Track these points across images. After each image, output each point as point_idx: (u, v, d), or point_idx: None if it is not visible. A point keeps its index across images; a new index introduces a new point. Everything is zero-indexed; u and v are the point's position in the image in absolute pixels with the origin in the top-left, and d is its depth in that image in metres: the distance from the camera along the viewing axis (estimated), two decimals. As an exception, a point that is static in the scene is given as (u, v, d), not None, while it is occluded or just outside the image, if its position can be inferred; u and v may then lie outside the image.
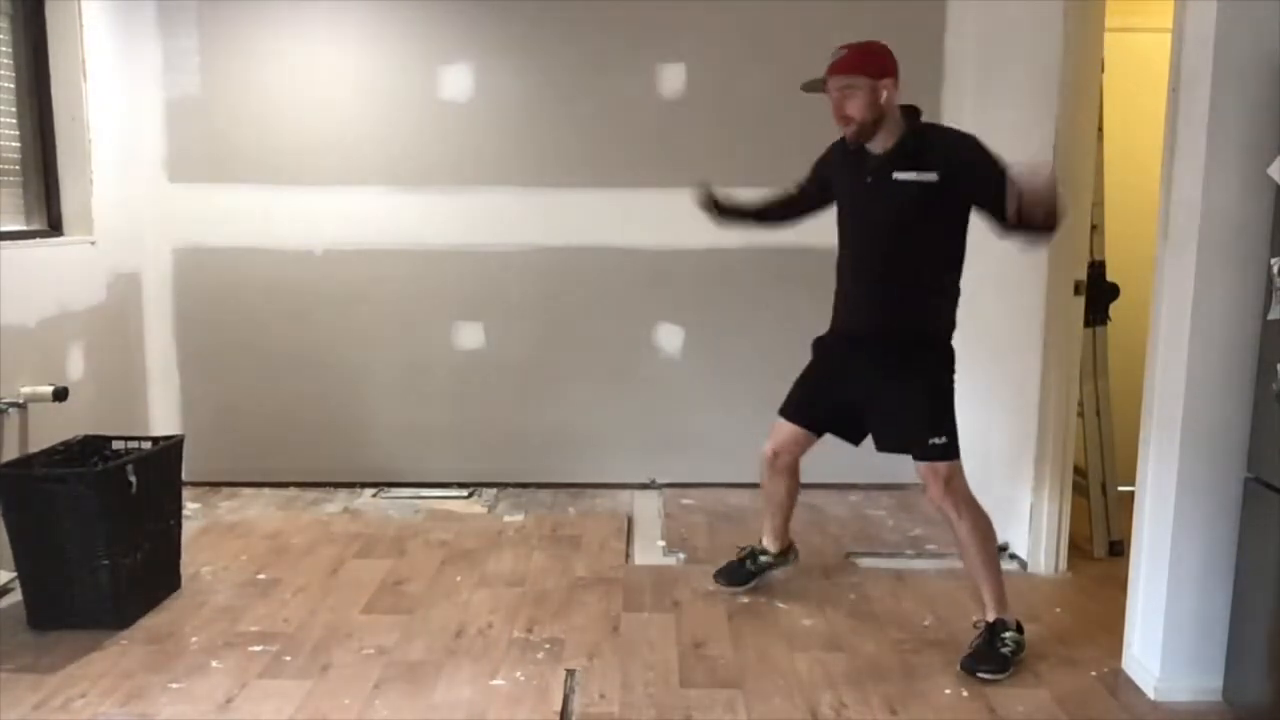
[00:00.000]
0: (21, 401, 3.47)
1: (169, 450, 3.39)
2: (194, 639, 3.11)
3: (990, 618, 3.02)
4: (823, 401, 3.25)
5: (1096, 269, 3.71)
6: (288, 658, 3.00)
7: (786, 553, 3.58)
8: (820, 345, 3.29)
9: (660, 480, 4.72)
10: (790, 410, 3.30)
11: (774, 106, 4.50)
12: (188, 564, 3.56)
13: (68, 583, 3.12)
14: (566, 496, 4.57)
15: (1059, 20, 3.46)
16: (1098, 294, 3.73)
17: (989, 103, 4.22)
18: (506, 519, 4.23)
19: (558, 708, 2.71)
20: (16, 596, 3.30)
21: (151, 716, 2.66)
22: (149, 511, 3.28)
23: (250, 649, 3.05)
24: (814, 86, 3.03)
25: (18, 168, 3.89)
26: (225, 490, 4.54)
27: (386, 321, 4.59)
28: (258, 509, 4.33)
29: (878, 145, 2.97)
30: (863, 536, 4.07)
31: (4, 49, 3.82)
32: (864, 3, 4.44)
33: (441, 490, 4.57)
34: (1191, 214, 2.65)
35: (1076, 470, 3.76)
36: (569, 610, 3.34)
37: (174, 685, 2.82)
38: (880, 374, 3.05)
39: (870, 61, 2.93)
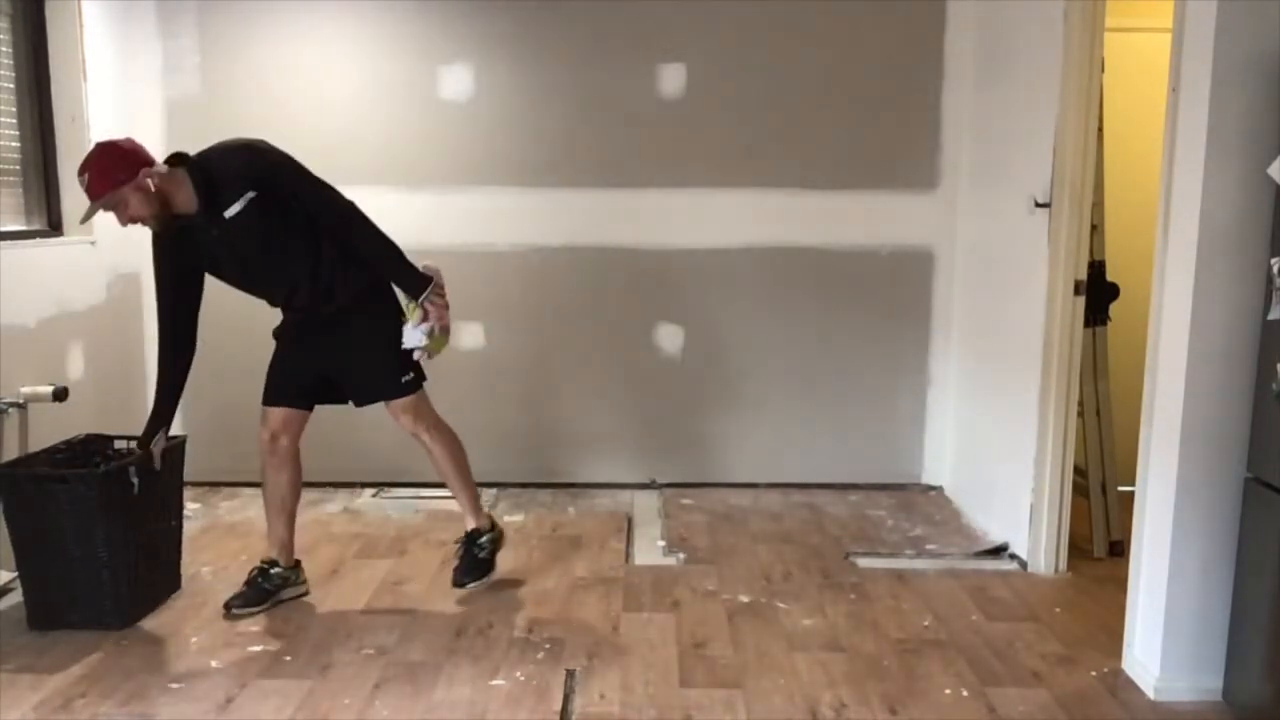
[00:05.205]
0: (21, 401, 3.47)
1: (170, 450, 3.39)
2: (194, 639, 3.11)
3: (469, 526, 3.47)
4: (296, 379, 3.31)
5: (1096, 269, 3.71)
6: (288, 658, 3.00)
7: (298, 567, 3.44)
8: (280, 332, 3.35)
9: (660, 480, 4.72)
10: (271, 396, 3.31)
11: (774, 106, 4.50)
12: (188, 564, 3.55)
13: (69, 583, 3.12)
14: (566, 496, 4.57)
15: (1059, 20, 3.46)
16: (1098, 294, 3.73)
17: (989, 103, 4.22)
18: (506, 519, 4.22)
19: (558, 708, 2.71)
20: (16, 596, 3.30)
21: (151, 716, 2.66)
22: (150, 512, 3.27)
23: (250, 649, 3.05)
24: (88, 215, 3.03)
25: (18, 168, 3.89)
26: (225, 490, 4.54)
27: (386, 321, 4.59)
28: (258, 509, 4.30)
29: (187, 205, 3.02)
30: (863, 536, 4.07)
31: (4, 49, 3.82)
32: (864, 3, 4.45)
33: (441, 490, 4.54)
34: (1191, 214, 2.65)
35: (1076, 470, 3.76)
36: (569, 610, 3.34)
37: (174, 685, 2.82)
38: (337, 343, 3.25)
39: (113, 174, 2.92)
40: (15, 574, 3.22)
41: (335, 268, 3.17)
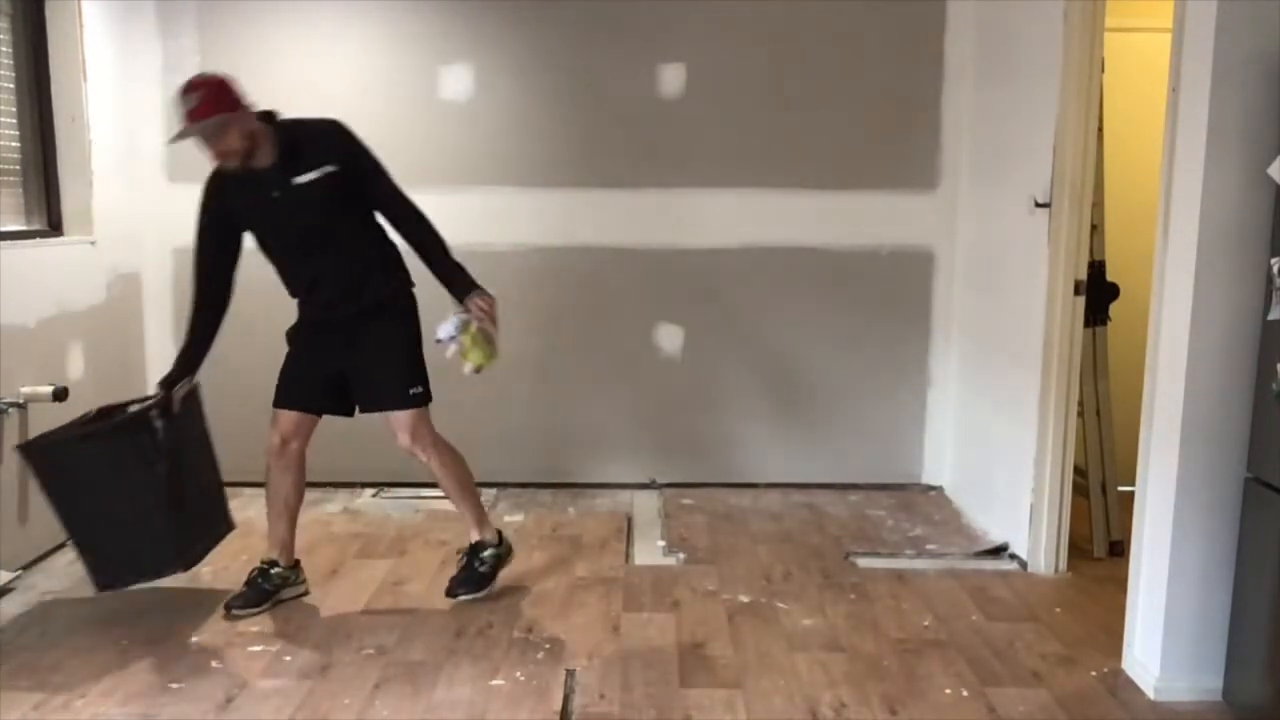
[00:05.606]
0: (21, 401, 3.47)
1: (189, 396, 3.31)
2: (194, 639, 3.11)
3: (473, 539, 3.43)
4: (309, 383, 3.30)
5: (1096, 269, 3.71)
6: (288, 658, 3.00)
7: (297, 567, 3.46)
8: (293, 334, 3.35)
9: (660, 480, 4.72)
10: (284, 399, 3.31)
11: (774, 106, 4.50)
12: (188, 564, 3.56)
13: (124, 539, 3.10)
14: (566, 496, 4.57)
15: (1059, 20, 3.46)
16: (1098, 294, 3.73)
17: (989, 103, 4.22)
18: (506, 519, 4.23)
19: (558, 708, 2.71)
20: (18, 596, 3.30)
21: (152, 716, 2.66)
22: (185, 456, 3.24)
23: (250, 649, 3.05)
24: (180, 137, 2.99)
25: (18, 168, 3.89)
26: (225, 490, 4.52)
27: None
28: (258, 509, 4.30)
29: (264, 160, 3.05)
30: (863, 536, 4.07)
31: (4, 49, 3.82)
32: (864, 2, 4.45)
33: (441, 490, 4.56)
34: (1191, 214, 2.65)
35: (1076, 470, 3.76)
36: (569, 610, 3.34)
37: (174, 685, 2.82)
38: (353, 344, 3.23)
39: (224, 98, 2.96)
40: (15, 574, 3.22)
41: (370, 269, 3.20)
